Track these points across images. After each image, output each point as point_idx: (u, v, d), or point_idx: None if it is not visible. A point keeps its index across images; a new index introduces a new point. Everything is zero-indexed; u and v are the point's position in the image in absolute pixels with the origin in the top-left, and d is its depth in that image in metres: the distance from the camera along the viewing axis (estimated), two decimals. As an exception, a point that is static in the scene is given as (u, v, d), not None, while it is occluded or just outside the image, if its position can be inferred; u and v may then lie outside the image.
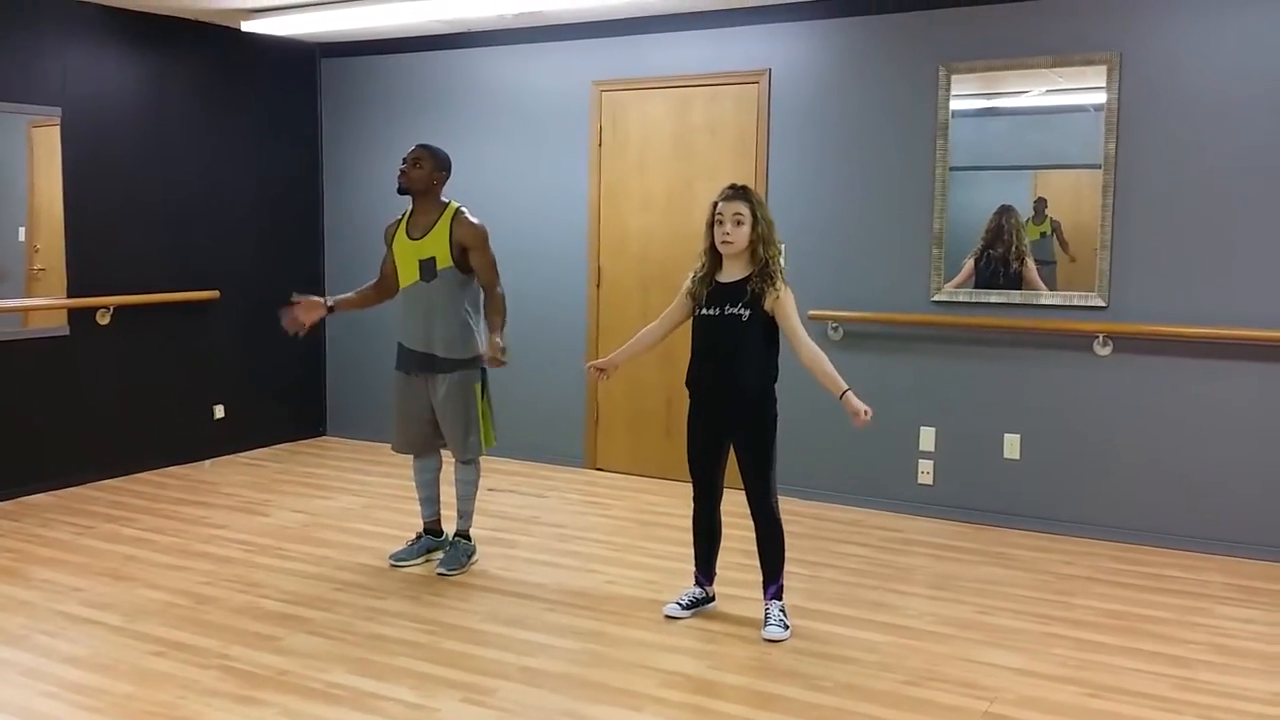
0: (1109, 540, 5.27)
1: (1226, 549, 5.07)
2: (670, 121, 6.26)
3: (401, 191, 4.68)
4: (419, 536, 4.97)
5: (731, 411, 4.05)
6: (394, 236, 4.76)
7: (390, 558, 4.88)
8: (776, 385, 4.07)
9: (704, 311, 4.05)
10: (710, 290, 4.03)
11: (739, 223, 3.94)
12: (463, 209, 4.69)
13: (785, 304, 3.96)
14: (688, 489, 4.25)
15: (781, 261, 4.06)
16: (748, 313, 3.94)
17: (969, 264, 5.52)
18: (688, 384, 4.15)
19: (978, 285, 5.51)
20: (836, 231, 5.82)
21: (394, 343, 4.82)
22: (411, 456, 4.93)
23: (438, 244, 4.62)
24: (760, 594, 4.16)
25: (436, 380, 4.68)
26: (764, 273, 3.95)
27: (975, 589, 4.61)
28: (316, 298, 4.88)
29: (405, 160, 4.67)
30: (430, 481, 4.94)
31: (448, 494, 4.96)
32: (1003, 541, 5.29)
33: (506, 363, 4.55)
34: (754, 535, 4.12)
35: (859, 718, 3.40)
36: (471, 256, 4.63)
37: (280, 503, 5.89)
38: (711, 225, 4.00)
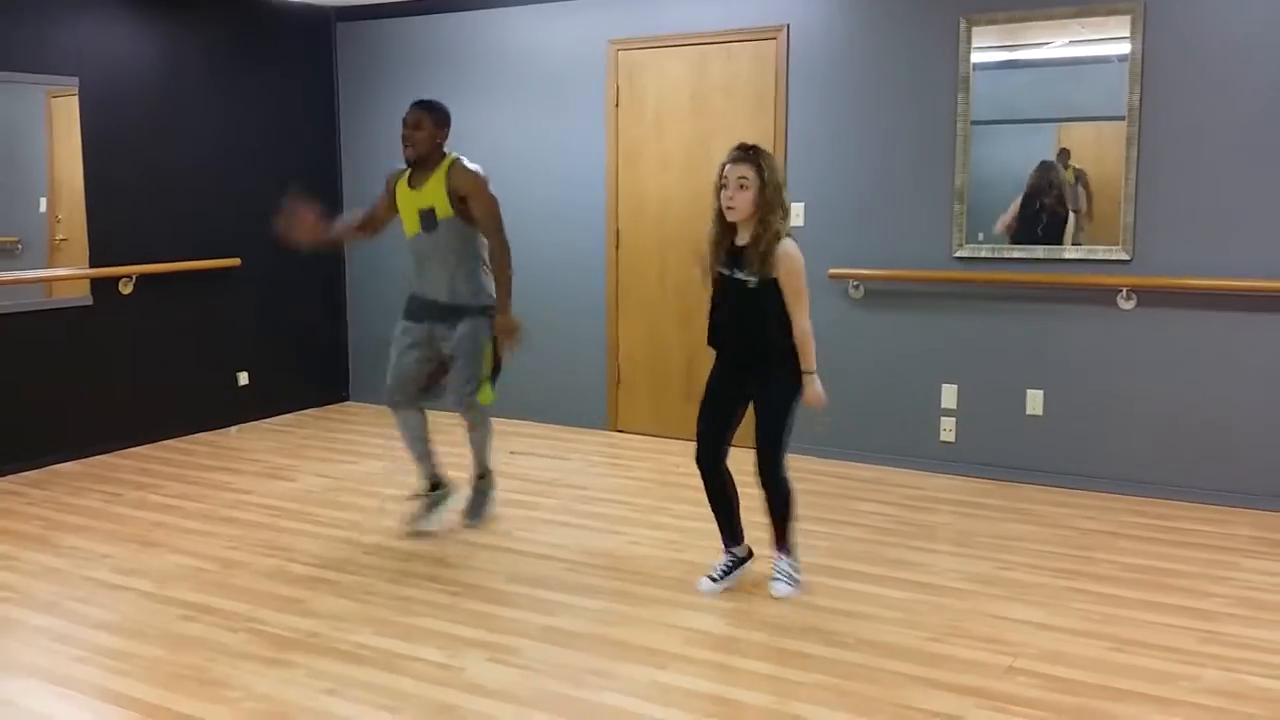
0: (1132, 495, 5.25)
1: (1253, 503, 5.04)
2: (687, 80, 6.21)
3: (411, 162, 4.60)
4: (423, 496, 4.87)
5: (756, 366, 3.97)
6: (396, 185, 4.70)
7: (411, 528, 4.83)
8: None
9: (722, 270, 3.97)
10: (727, 250, 3.94)
11: (742, 187, 3.79)
12: (460, 157, 4.60)
13: (789, 274, 3.83)
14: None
15: (786, 225, 3.88)
16: (754, 280, 3.84)
17: (1014, 205, 5.42)
18: (709, 341, 4.07)
19: (1016, 236, 5.42)
20: (857, 188, 5.78)
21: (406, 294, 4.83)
22: (394, 411, 4.79)
23: (435, 194, 4.54)
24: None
25: (445, 329, 4.63)
26: (768, 239, 3.80)
27: (998, 545, 4.61)
28: (311, 215, 4.70)
29: (405, 123, 4.58)
30: (419, 438, 4.82)
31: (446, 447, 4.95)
32: (1025, 497, 5.28)
33: (517, 343, 4.56)
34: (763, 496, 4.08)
35: (882, 674, 3.42)
36: (471, 205, 4.54)
37: (305, 468, 5.94)
38: (719, 189, 3.87)
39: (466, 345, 4.62)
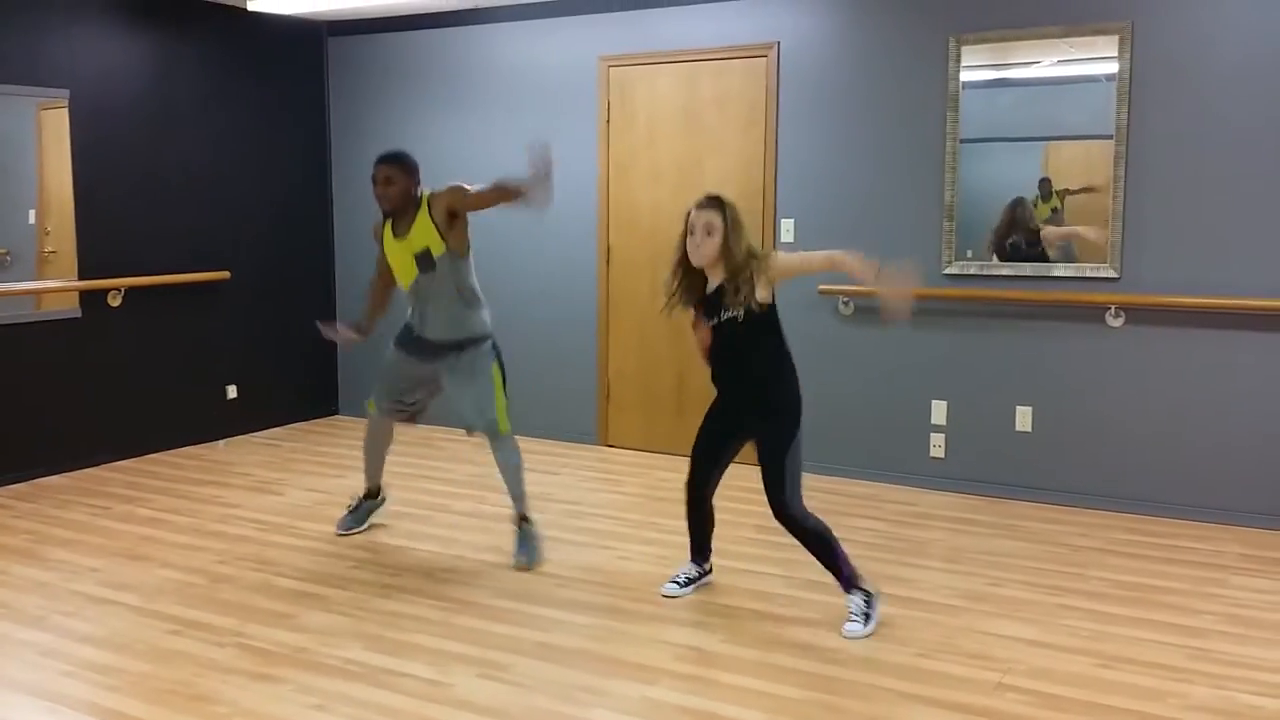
0: (1122, 512, 5.26)
1: (1242, 520, 5.05)
2: (679, 96, 6.23)
3: (389, 215, 4.57)
4: (359, 503, 5.08)
5: (753, 408, 3.95)
6: (383, 236, 4.65)
7: (337, 528, 5.02)
8: (798, 382, 3.95)
9: (706, 320, 3.93)
10: (705, 300, 3.91)
11: (709, 233, 3.81)
12: (429, 190, 4.56)
13: (777, 266, 3.87)
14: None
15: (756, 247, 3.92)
16: (740, 313, 3.81)
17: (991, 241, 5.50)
18: (712, 379, 4.05)
19: (999, 259, 5.48)
20: (847, 205, 5.80)
21: (402, 321, 4.83)
22: (377, 415, 4.91)
23: (425, 233, 4.51)
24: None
25: (448, 362, 4.65)
26: (742, 267, 3.81)
27: (988, 561, 4.61)
28: (348, 331, 4.87)
29: (376, 181, 4.52)
30: (383, 447, 5.00)
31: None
32: (1015, 514, 5.29)
33: (548, 166, 4.37)
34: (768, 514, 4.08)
35: (872, 690, 3.42)
36: (459, 209, 4.50)
37: (294, 482, 5.92)
38: (684, 237, 3.89)
39: (473, 371, 4.63)
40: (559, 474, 6.08)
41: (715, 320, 3.91)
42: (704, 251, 3.85)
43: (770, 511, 3.93)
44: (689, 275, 3.95)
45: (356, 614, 4.04)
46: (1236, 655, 3.68)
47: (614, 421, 6.67)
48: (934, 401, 5.70)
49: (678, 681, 3.49)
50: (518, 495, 4.75)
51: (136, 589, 4.30)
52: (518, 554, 4.62)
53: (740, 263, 3.83)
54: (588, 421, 6.72)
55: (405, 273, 4.61)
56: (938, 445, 5.71)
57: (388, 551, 4.77)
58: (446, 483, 5.75)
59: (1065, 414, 5.41)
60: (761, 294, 3.82)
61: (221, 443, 6.79)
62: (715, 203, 3.88)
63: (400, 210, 4.54)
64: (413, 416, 4.97)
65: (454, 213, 4.50)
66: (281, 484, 5.87)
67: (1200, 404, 5.13)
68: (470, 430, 4.75)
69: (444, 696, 3.38)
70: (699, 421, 4.15)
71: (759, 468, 3.95)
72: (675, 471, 6.02)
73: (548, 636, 3.84)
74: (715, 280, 3.91)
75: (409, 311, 4.74)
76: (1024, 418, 5.50)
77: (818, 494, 5.56)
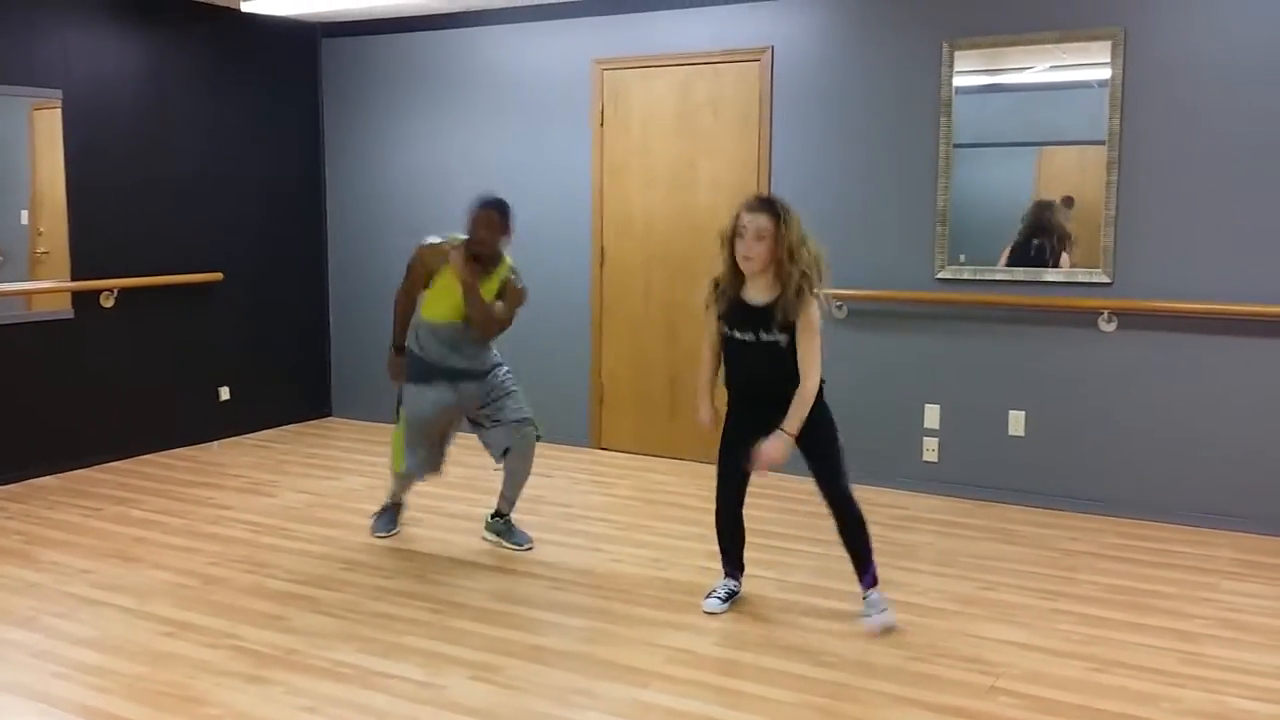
0: (1115, 516, 5.27)
1: (1234, 524, 5.07)
2: (673, 100, 6.24)
3: (475, 259, 4.52)
4: (393, 507, 5.07)
5: (783, 413, 3.80)
6: (440, 270, 4.58)
7: (374, 532, 5.01)
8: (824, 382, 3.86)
9: (737, 335, 3.79)
10: (739, 312, 3.78)
11: (759, 238, 3.65)
12: (514, 270, 4.64)
13: (809, 323, 3.71)
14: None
15: (818, 277, 3.72)
16: (785, 338, 3.72)
17: (1004, 254, 5.46)
18: (731, 389, 3.92)
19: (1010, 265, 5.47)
20: (840, 209, 5.80)
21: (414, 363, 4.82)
22: (430, 474, 4.89)
23: (489, 296, 4.60)
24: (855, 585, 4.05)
25: (474, 384, 4.69)
26: (796, 292, 3.67)
27: (980, 565, 4.62)
28: (397, 363, 4.80)
29: (478, 223, 4.47)
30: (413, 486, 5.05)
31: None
32: (1008, 518, 5.30)
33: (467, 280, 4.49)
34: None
35: (865, 693, 3.42)
36: (503, 299, 4.64)
37: (286, 483, 5.91)
38: (732, 239, 3.72)
39: (506, 383, 4.75)
40: (551, 476, 6.07)
41: (751, 337, 3.76)
42: (754, 258, 3.68)
43: (822, 493, 3.98)
44: (734, 283, 3.78)
45: (348, 616, 4.03)
46: (1229, 660, 3.69)
47: (606, 424, 6.67)
48: (927, 405, 5.71)
49: (670, 684, 3.48)
50: (513, 500, 4.88)
51: (129, 590, 4.29)
52: (517, 542, 4.80)
53: (795, 282, 3.66)
54: (580, 424, 6.71)
55: (452, 312, 4.61)
56: (930, 449, 5.72)
57: (380, 553, 4.76)
58: (438, 485, 5.73)
59: (1058, 419, 5.42)
60: (801, 324, 3.70)
61: (215, 444, 6.78)
62: (767, 206, 3.71)
63: (485, 260, 4.57)
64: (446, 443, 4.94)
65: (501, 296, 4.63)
66: (274, 486, 5.86)
67: (1192, 409, 5.14)
68: (507, 450, 4.72)
69: (436, 699, 3.37)
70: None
71: (809, 460, 3.94)
72: (669, 474, 6.05)
73: (540, 639, 3.83)
74: (757, 292, 3.75)
75: (422, 348, 4.66)
76: (1017, 422, 5.51)
77: (811, 497, 5.54)
